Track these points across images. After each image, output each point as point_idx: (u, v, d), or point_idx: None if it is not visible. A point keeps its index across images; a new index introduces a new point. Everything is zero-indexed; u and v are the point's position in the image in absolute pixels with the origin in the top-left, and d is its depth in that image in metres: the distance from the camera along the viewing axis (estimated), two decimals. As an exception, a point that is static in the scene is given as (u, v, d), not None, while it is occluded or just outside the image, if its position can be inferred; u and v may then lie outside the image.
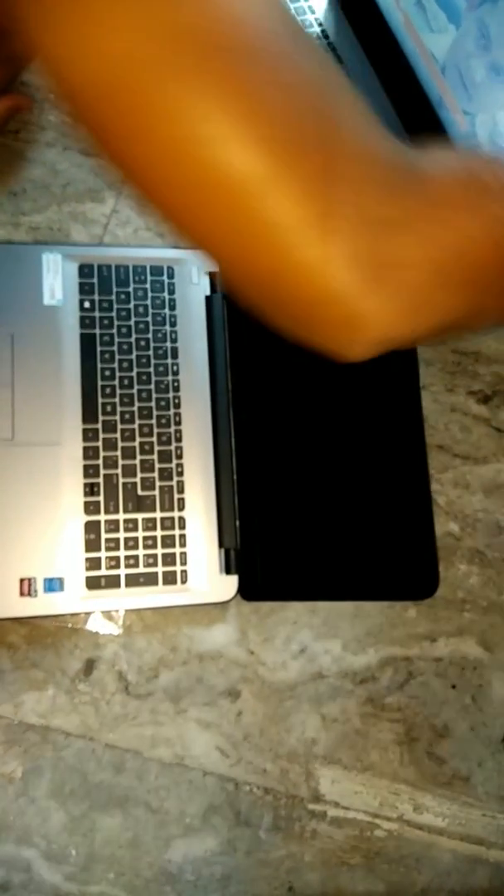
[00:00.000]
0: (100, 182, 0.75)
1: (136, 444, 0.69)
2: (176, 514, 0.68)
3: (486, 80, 0.70)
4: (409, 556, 0.57)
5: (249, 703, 0.68)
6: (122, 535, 0.67)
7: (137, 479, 0.68)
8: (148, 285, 0.72)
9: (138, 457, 0.69)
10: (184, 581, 0.67)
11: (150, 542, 0.67)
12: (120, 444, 0.68)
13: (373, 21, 0.81)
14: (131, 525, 0.67)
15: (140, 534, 0.67)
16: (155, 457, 0.69)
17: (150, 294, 0.72)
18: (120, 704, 0.66)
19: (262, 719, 0.68)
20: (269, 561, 0.67)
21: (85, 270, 0.71)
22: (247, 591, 0.67)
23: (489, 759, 0.72)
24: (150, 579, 0.66)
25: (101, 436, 0.68)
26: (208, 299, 0.74)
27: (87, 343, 0.70)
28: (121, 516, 0.67)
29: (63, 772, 0.64)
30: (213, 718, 0.67)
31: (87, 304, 0.70)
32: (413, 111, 0.80)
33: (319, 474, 0.63)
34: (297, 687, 0.69)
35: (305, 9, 0.85)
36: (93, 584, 0.65)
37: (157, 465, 0.69)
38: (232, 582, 0.68)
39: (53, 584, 0.64)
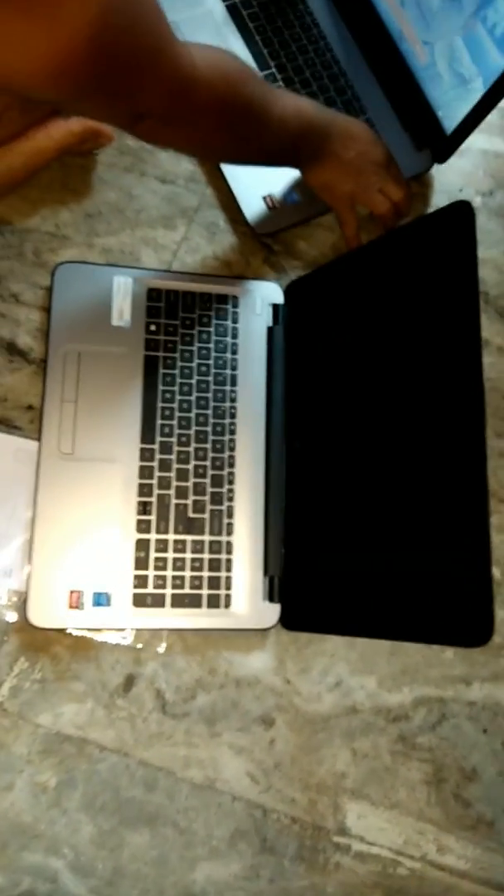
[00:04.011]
0: (173, 209, 0.72)
1: (191, 466, 0.66)
2: (224, 538, 0.65)
3: (442, 7, 0.68)
4: (461, 598, 0.52)
5: (283, 732, 0.64)
6: (170, 555, 0.64)
7: (189, 501, 0.65)
8: (212, 313, 0.69)
9: (191, 479, 0.66)
10: (227, 605, 0.64)
11: (197, 565, 0.64)
12: (175, 466, 0.66)
13: None
14: (180, 546, 0.64)
15: (188, 555, 0.64)
16: (208, 480, 0.66)
17: (213, 322, 0.69)
18: (156, 722, 0.63)
19: (294, 749, 0.64)
20: (312, 592, 0.63)
21: (153, 295, 0.68)
22: (288, 621, 0.64)
23: (515, 807, 0.68)
24: (195, 601, 0.63)
25: (157, 456, 0.65)
26: (270, 330, 0.71)
27: (150, 365, 0.67)
28: (171, 536, 0.64)
29: (96, 785, 0.61)
30: (246, 744, 0.64)
31: (153, 328, 0.68)
32: (376, 45, 0.77)
33: (369, 509, 0.59)
34: (331, 719, 0.65)
35: None
36: (139, 601, 0.62)
37: (209, 489, 0.66)
38: (274, 610, 0.64)
39: (101, 599, 0.61)
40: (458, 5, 0.66)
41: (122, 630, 0.63)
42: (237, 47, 0.76)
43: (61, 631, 0.62)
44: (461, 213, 0.55)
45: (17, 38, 0.36)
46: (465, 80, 0.68)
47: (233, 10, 0.78)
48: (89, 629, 0.62)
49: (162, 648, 0.64)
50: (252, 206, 0.73)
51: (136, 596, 0.62)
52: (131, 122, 0.50)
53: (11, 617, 0.61)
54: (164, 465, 0.65)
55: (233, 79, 0.53)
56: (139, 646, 0.64)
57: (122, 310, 0.67)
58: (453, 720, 0.68)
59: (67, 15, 0.36)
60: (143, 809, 0.61)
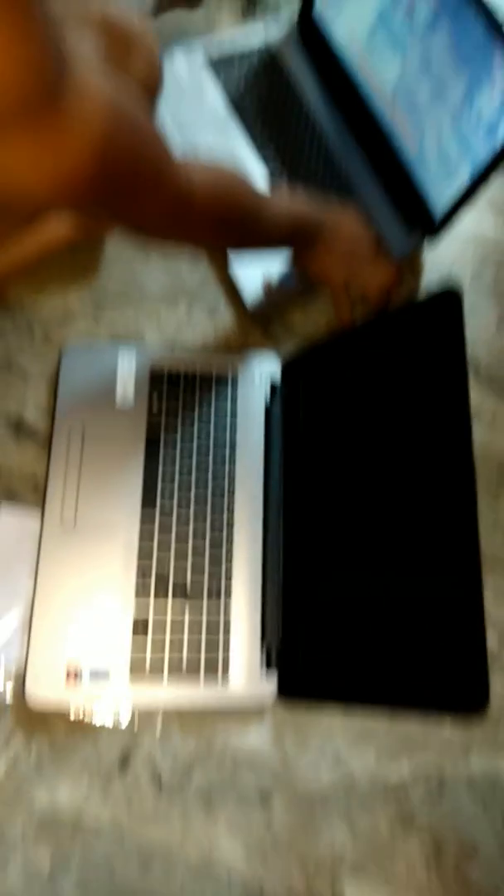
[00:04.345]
0: (176, 289, 0.75)
1: (189, 543, 0.67)
2: (222, 604, 0.66)
3: (431, 99, 0.72)
4: (458, 668, 0.53)
5: (280, 810, 0.64)
6: (168, 624, 0.64)
7: (188, 574, 0.66)
8: (212, 389, 0.71)
9: (189, 556, 0.66)
10: (224, 676, 0.64)
11: (196, 631, 0.64)
12: (173, 544, 0.66)
13: (329, 55, 0.83)
14: (178, 610, 0.65)
15: (185, 624, 0.64)
16: (206, 558, 0.67)
17: (213, 397, 0.71)
18: (152, 801, 0.62)
19: (292, 827, 0.63)
20: (310, 659, 0.63)
21: (156, 371, 0.70)
22: (285, 688, 0.64)
23: (517, 886, 0.66)
24: (192, 673, 0.63)
25: (156, 531, 0.66)
26: (268, 406, 0.72)
27: (151, 441, 0.69)
28: (169, 601, 0.65)
29: (91, 866, 0.60)
30: (243, 823, 0.63)
31: (154, 404, 0.69)
32: (368, 133, 0.81)
33: (366, 578, 0.60)
34: (329, 795, 0.65)
35: (266, 46, 0.86)
36: (136, 675, 0.62)
37: (206, 567, 0.67)
38: (271, 679, 0.64)
39: (98, 674, 0.61)
40: (446, 98, 0.70)
41: (119, 705, 0.63)
42: (237, 139, 0.81)
43: (58, 706, 0.62)
44: (449, 301, 0.57)
45: (26, 160, 0.39)
46: (452, 165, 0.72)
47: (234, 106, 0.82)
48: (86, 704, 0.62)
49: (158, 724, 0.64)
50: (250, 287, 0.75)
51: (133, 669, 0.62)
52: (134, 231, 0.53)
53: (9, 692, 0.62)
54: (163, 540, 0.66)
55: (227, 191, 0.56)
56: (135, 722, 0.63)
57: (126, 386, 0.69)
58: (453, 794, 0.67)
59: (72, 140, 0.39)
60: (138, 892, 0.60)
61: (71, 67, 0.38)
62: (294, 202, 0.67)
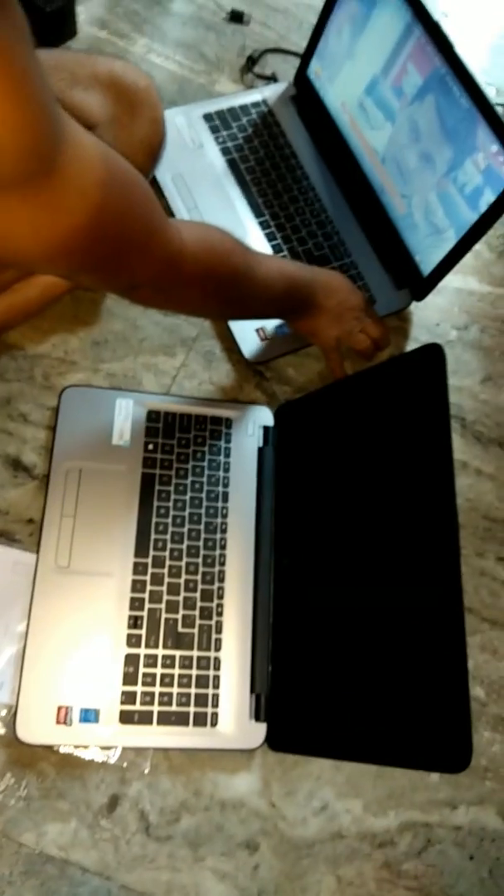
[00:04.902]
0: (173, 338, 0.79)
1: (182, 581, 0.68)
2: (212, 653, 0.67)
3: (419, 166, 0.77)
4: (441, 725, 0.54)
5: (267, 858, 0.64)
6: (159, 670, 0.65)
7: (179, 616, 0.67)
8: (207, 433, 0.74)
9: (182, 594, 0.68)
10: (214, 723, 0.65)
11: (185, 681, 0.65)
12: (166, 580, 0.68)
13: (323, 119, 0.89)
14: (169, 661, 0.66)
15: (176, 671, 0.66)
16: (198, 595, 0.68)
17: (208, 442, 0.74)
18: (139, 845, 0.62)
19: (279, 875, 0.64)
20: (299, 712, 0.64)
21: (152, 416, 0.73)
22: (274, 741, 0.65)
23: (503, 940, 0.66)
24: (182, 719, 0.64)
25: (149, 570, 0.68)
26: (260, 451, 0.75)
27: (146, 482, 0.71)
28: (160, 651, 0.66)
29: (76, 912, 0.60)
30: (230, 869, 0.63)
31: (150, 447, 0.72)
32: (359, 196, 0.86)
33: (355, 630, 0.61)
34: (316, 845, 0.65)
35: (263, 107, 0.91)
36: (126, 718, 0.63)
37: (198, 604, 0.68)
38: (260, 729, 0.65)
39: (89, 715, 0.62)
40: (432, 166, 0.75)
41: (109, 748, 0.64)
42: (234, 197, 0.85)
43: (49, 747, 0.63)
44: (433, 354, 0.60)
45: (22, 224, 0.40)
46: (439, 229, 0.77)
47: (232, 164, 0.87)
48: (76, 745, 0.63)
49: (147, 768, 0.64)
50: (246, 337, 0.79)
51: (123, 713, 0.63)
52: (127, 291, 0.55)
53: (0, 731, 0.62)
54: (156, 579, 0.68)
55: (218, 251, 0.58)
56: (125, 764, 0.64)
57: (123, 430, 0.72)
58: (439, 846, 0.67)
59: (69, 207, 0.40)
60: (122, 939, 0.60)
61: (67, 134, 0.39)
62: (285, 263, 0.70)
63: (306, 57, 0.88)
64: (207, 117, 0.89)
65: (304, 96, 0.91)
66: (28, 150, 0.36)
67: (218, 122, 0.89)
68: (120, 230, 0.45)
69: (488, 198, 0.70)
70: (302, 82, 0.91)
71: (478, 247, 0.90)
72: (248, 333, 0.79)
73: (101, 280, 0.52)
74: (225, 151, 0.87)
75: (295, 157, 0.89)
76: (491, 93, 0.69)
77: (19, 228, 0.40)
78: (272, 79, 0.94)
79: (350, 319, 0.75)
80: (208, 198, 0.84)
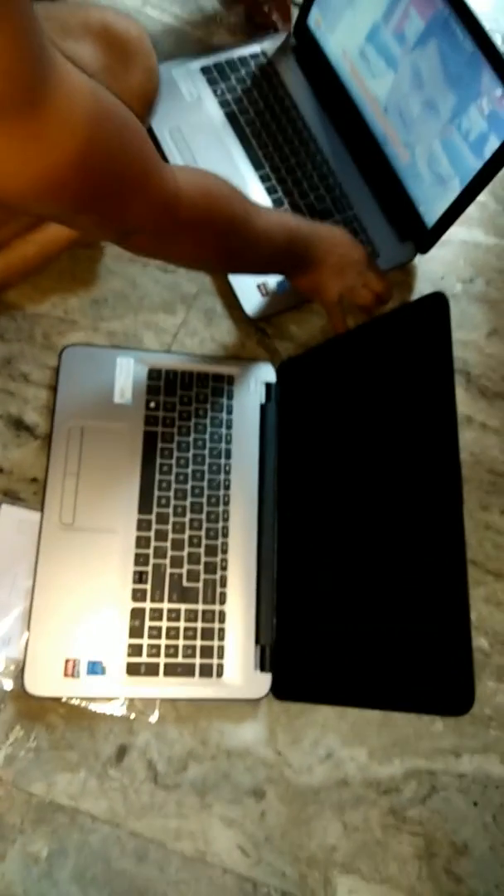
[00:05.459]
0: (173, 296, 0.78)
1: (186, 536, 0.69)
2: (217, 607, 0.68)
3: (422, 114, 0.75)
4: (444, 669, 0.55)
5: (273, 805, 0.65)
6: (164, 623, 0.66)
7: (184, 571, 0.68)
8: (209, 391, 0.74)
9: (186, 549, 0.69)
10: (219, 674, 0.66)
11: (191, 633, 0.66)
12: (170, 536, 0.69)
13: (323, 70, 0.87)
14: (174, 615, 0.67)
15: (182, 624, 0.67)
16: (202, 550, 0.69)
17: (209, 399, 0.74)
18: (148, 793, 0.64)
19: (285, 822, 0.65)
20: (303, 662, 0.66)
21: (153, 374, 0.73)
22: (279, 690, 0.66)
23: (508, 884, 0.68)
24: (188, 670, 0.65)
25: (153, 526, 0.69)
26: (263, 407, 0.75)
27: (149, 440, 0.71)
28: (165, 605, 0.67)
29: (87, 856, 0.62)
30: (237, 816, 0.65)
31: (152, 405, 0.72)
32: (362, 147, 0.85)
33: (356, 579, 0.62)
34: (321, 792, 0.67)
35: (262, 58, 0.89)
36: (133, 670, 0.64)
37: (203, 559, 0.69)
38: (265, 679, 0.66)
39: (96, 668, 0.64)
40: (436, 113, 0.74)
41: (116, 699, 0.65)
42: (234, 150, 0.84)
43: (57, 699, 0.64)
44: (437, 302, 0.60)
45: (12, 157, 0.39)
46: (443, 179, 0.75)
47: (231, 117, 0.86)
48: (84, 698, 0.64)
49: (154, 718, 0.66)
50: (247, 293, 0.79)
51: (129, 665, 0.64)
52: (121, 238, 0.55)
53: (8, 685, 0.64)
54: (160, 535, 0.69)
55: (214, 196, 0.57)
56: (132, 715, 0.65)
57: (124, 388, 0.72)
58: (444, 793, 0.69)
59: (57, 139, 0.40)
60: (133, 882, 0.62)
61: (55, 66, 0.39)
62: (286, 216, 0.69)
63: (306, 6, 0.86)
64: (205, 70, 0.87)
65: (305, 47, 0.89)
66: (13, 77, 0.36)
67: (216, 74, 0.87)
68: (111, 167, 0.45)
69: (493, 144, 0.69)
70: (302, 32, 0.89)
71: (483, 198, 0.89)
72: (250, 289, 0.79)
73: (95, 224, 0.51)
74: (224, 104, 0.86)
75: (295, 109, 0.87)
76: (497, 39, 0.68)
77: (7, 162, 0.40)
78: (273, 27, 0.92)
79: (352, 274, 0.74)
80: (207, 151, 0.83)
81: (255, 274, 0.77)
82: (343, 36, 0.83)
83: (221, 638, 0.67)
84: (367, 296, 0.76)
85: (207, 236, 0.59)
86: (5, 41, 0.34)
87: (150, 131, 0.81)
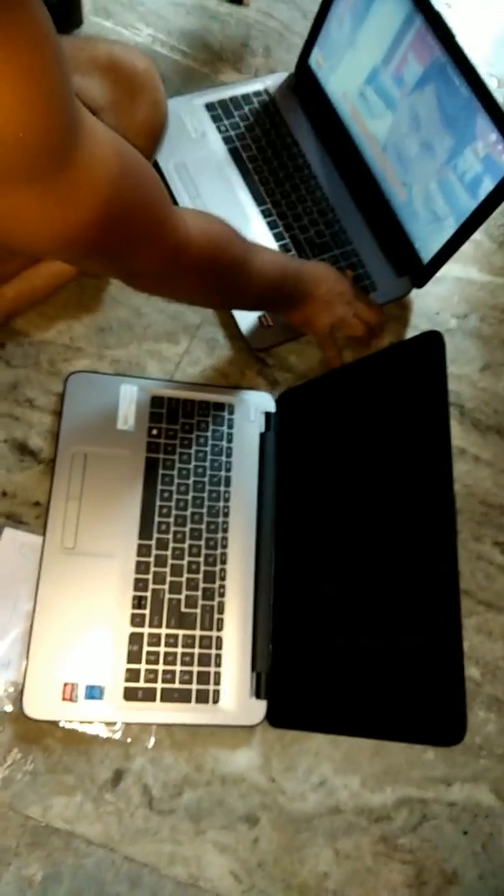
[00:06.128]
0: (177, 325, 0.81)
1: (185, 562, 0.71)
2: (214, 633, 0.69)
3: (419, 155, 0.79)
4: (437, 699, 0.56)
5: (266, 831, 0.67)
6: (162, 649, 0.68)
7: (182, 596, 0.70)
8: (210, 419, 0.76)
9: (185, 575, 0.71)
10: (215, 701, 0.67)
11: (188, 659, 0.68)
12: (170, 562, 0.71)
13: (324, 109, 0.91)
14: (172, 640, 0.68)
15: (179, 649, 0.68)
16: (200, 576, 0.71)
17: (210, 426, 0.76)
18: (143, 818, 0.65)
19: (278, 848, 0.66)
20: (298, 690, 0.67)
21: (156, 402, 0.75)
22: (274, 718, 0.67)
23: (497, 914, 0.69)
24: (184, 696, 0.67)
25: (153, 552, 0.70)
26: (262, 436, 0.77)
27: (150, 466, 0.73)
28: (163, 631, 0.68)
29: (81, 880, 0.62)
30: (231, 842, 0.66)
31: (154, 432, 0.74)
32: (360, 184, 0.88)
33: (354, 609, 0.64)
34: (314, 819, 0.68)
35: (265, 96, 0.93)
36: (130, 695, 0.65)
37: (201, 585, 0.71)
38: (260, 707, 0.68)
39: (94, 692, 0.65)
40: (432, 154, 0.77)
41: (113, 724, 0.66)
42: (237, 185, 0.87)
43: (54, 723, 0.65)
44: (433, 341, 0.62)
45: (34, 214, 0.40)
46: (439, 217, 0.79)
47: (234, 153, 0.89)
48: (81, 721, 0.65)
49: (150, 743, 0.67)
50: (248, 324, 0.81)
51: (127, 689, 0.66)
52: (129, 278, 0.57)
53: (7, 708, 0.65)
54: (160, 561, 0.70)
55: (220, 241, 0.60)
56: (128, 740, 0.67)
57: (127, 415, 0.74)
58: (434, 821, 0.70)
59: (80, 201, 0.41)
60: (126, 908, 0.63)
61: (83, 128, 0.40)
62: (277, 255, 0.72)
63: (308, 46, 0.90)
64: (209, 106, 0.91)
65: (306, 85, 0.93)
66: (46, 147, 0.37)
67: (220, 111, 0.91)
68: (129, 221, 0.47)
69: (487, 186, 0.72)
70: (303, 72, 0.92)
71: (478, 236, 0.92)
72: (251, 320, 0.81)
73: (106, 266, 0.53)
74: (227, 140, 0.89)
75: (297, 146, 0.91)
76: (492, 84, 0.71)
77: (30, 220, 0.41)
78: (273, 70, 0.95)
79: (341, 304, 0.77)
80: (211, 186, 0.86)
81: (249, 310, 0.80)
82: (344, 77, 0.87)
83: (218, 664, 0.69)
84: (358, 326, 0.79)
85: (209, 278, 0.61)
86: (40, 101, 0.35)
87: (156, 165, 0.84)
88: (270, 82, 0.94)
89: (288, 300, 0.75)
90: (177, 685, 0.67)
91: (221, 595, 0.71)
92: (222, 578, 0.71)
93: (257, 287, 0.67)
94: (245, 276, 0.65)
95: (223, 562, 0.72)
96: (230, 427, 0.77)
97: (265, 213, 0.86)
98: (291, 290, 0.73)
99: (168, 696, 0.66)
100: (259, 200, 0.87)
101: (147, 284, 0.59)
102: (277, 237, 0.86)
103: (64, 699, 0.64)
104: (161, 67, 0.92)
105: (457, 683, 0.55)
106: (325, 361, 0.82)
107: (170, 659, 0.68)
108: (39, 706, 0.64)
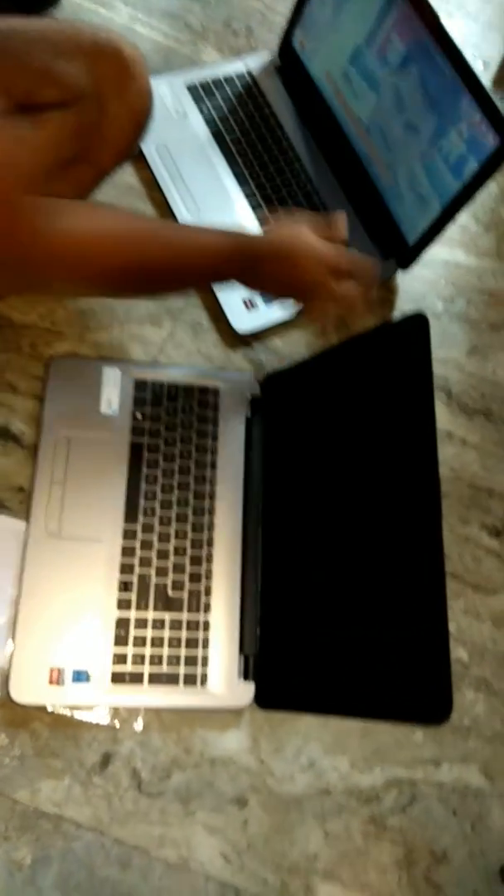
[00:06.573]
0: (160, 308, 0.81)
1: (171, 546, 0.71)
2: (201, 616, 0.70)
3: (403, 136, 0.79)
4: (423, 678, 0.57)
5: (256, 812, 0.67)
6: (149, 632, 0.68)
7: (169, 580, 0.70)
8: (195, 403, 0.76)
9: (171, 559, 0.71)
10: (203, 683, 0.68)
11: (175, 642, 0.68)
12: (156, 546, 0.71)
13: (307, 90, 0.91)
14: (159, 624, 0.69)
15: (166, 633, 0.68)
16: (187, 560, 0.71)
17: (195, 410, 0.76)
18: (132, 801, 0.65)
19: (267, 829, 0.67)
20: (286, 671, 0.68)
21: (140, 386, 0.75)
22: (262, 699, 0.68)
23: (485, 891, 0.70)
24: (172, 679, 0.67)
25: (139, 536, 0.71)
26: (248, 420, 0.78)
27: (135, 450, 0.73)
28: (150, 614, 0.69)
29: (71, 863, 0.63)
30: (220, 824, 0.66)
31: (138, 416, 0.74)
32: (345, 167, 0.89)
33: (341, 590, 0.64)
34: (304, 800, 0.69)
35: (247, 77, 0.93)
36: (117, 678, 0.66)
37: (188, 569, 0.71)
38: (248, 689, 0.68)
39: (81, 676, 0.65)
40: (417, 135, 0.77)
41: (101, 707, 0.67)
42: (220, 167, 0.87)
43: (42, 707, 0.65)
44: (418, 323, 0.63)
45: None
46: (424, 198, 0.79)
47: (217, 135, 0.89)
48: (68, 706, 0.66)
49: (138, 726, 0.67)
50: (233, 308, 0.81)
51: (114, 673, 0.66)
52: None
53: (-7, 693, 0.65)
54: (146, 545, 0.71)
55: (129, 240, 0.61)
56: (116, 723, 0.67)
57: (111, 399, 0.74)
58: (424, 802, 0.71)
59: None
60: (116, 889, 0.63)
61: None
62: (220, 242, 0.65)
63: (290, 27, 0.90)
64: (191, 88, 0.91)
65: (289, 67, 0.93)
66: None
67: (202, 93, 0.91)
68: None
69: (472, 166, 0.73)
70: (286, 53, 0.92)
71: (465, 220, 0.93)
72: (236, 303, 0.81)
73: None
74: (209, 122, 0.89)
75: (280, 128, 0.91)
76: (478, 66, 0.71)
77: None
78: (255, 49, 0.95)
79: (320, 275, 0.67)
80: (193, 169, 0.86)
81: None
82: (327, 58, 0.87)
83: (205, 647, 0.69)
84: (344, 299, 0.68)
85: (121, 276, 0.63)
86: None
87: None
88: (253, 63, 0.94)
89: (244, 271, 0.67)
90: (164, 668, 0.67)
91: (208, 578, 0.71)
92: (209, 561, 0.72)
93: (197, 269, 0.66)
94: (169, 272, 0.65)
95: (210, 545, 0.72)
96: (215, 411, 0.77)
97: (248, 195, 0.86)
98: (246, 261, 0.66)
99: (156, 679, 0.67)
100: (242, 182, 0.87)
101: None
102: (261, 220, 0.86)
103: (51, 683, 0.64)
104: (141, 47, 0.91)
105: (442, 661, 0.56)
106: (313, 343, 0.83)
107: (157, 642, 0.68)
108: (26, 691, 0.64)
